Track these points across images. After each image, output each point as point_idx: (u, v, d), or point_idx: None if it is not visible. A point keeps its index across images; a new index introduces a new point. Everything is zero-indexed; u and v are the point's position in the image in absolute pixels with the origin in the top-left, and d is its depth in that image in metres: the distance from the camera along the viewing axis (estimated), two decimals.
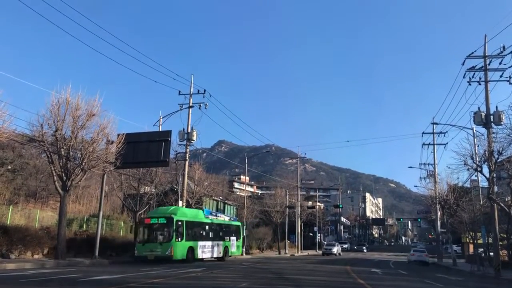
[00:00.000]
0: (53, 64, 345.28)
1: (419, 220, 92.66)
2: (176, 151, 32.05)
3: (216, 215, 31.80)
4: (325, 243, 66.82)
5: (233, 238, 31.41)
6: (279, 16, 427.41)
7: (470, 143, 23.24)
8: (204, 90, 33.07)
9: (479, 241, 32.79)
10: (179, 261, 22.69)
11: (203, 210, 29.73)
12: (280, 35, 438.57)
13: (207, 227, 27.48)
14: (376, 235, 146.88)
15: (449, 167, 68.90)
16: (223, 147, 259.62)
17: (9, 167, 32.70)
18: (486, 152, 21.17)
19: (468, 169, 22.93)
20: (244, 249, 44.84)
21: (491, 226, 22.99)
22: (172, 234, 22.69)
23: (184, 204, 32.04)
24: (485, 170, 22.22)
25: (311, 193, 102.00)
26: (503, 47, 22.68)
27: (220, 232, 29.35)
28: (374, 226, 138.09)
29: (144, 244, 22.87)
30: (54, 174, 19.89)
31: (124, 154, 21.94)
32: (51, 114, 19.28)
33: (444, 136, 39.71)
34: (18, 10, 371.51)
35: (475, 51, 23.98)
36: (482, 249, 33.06)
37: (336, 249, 53.51)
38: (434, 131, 40.82)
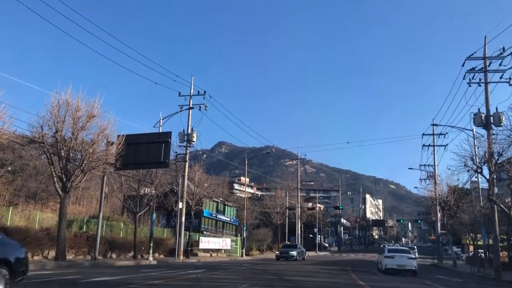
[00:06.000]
0: (53, 65, 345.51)
1: (419, 221, 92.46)
2: (176, 152, 32.15)
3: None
4: None
5: None
6: (279, 17, 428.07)
7: (470, 145, 23.23)
8: (204, 92, 33.19)
9: (479, 243, 32.78)
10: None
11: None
12: (280, 36, 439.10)
13: None
14: (376, 237, 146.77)
15: (449, 169, 69.12)
16: (223, 149, 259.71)
17: (9, 168, 32.68)
18: (486, 154, 21.16)
19: (468, 171, 22.93)
20: (244, 251, 44.89)
21: (491, 227, 22.98)
22: None
23: (184, 205, 32.05)
24: (485, 171, 22.21)
25: (311, 195, 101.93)
26: (503, 48, 22.72)
27: None
28: (374, 228, 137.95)
29: None
30: (54, 175, 19.89)
31: (124, 155, 21.94)
32: (51, 116, 19.28)
33: (444, 137, 39.78)
34: (19, 11, 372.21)
35: (475, 52, 24.02)
36: (482, 251, 33.06)
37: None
38: (434, 132, 40.86)
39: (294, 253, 36.49)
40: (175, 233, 32.63)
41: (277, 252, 39.24)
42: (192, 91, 33.13)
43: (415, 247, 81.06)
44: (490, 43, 24.32)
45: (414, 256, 23.61)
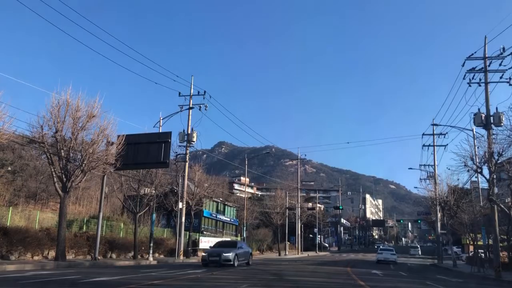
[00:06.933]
0: (54, 65, 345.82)
1: (419, 221, 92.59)
2: (176, 152, 32.11)
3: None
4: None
5: None
6: (279, 17, 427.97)
7: (470, 145, 23.21)
8: (204, 92, 33.16)
9: (479, 243, 32.77)
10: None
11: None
12: (280, 36, 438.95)
13: None
14: (376, 237, 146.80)
15: (449, 169, 69.36)
16: (223, 149, 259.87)
17: (9, 168, 32.69)
18: (486, 154, 21.14)
19: (468, 171, 22.92)
20: None
21: (491, 227, 22.97)
22: None
23: (184, 205, 32.03)
24: (485, 171, 22.18)
25: (311, 195, 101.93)
26: (503, 48, 22.71)
27: None
28: (374, 228, 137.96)
29: None
30: (54, 175, 19.87)
31: (124, 155, 21.93)
32: (51, 116, 19.26)
33: (444, 137, 39.89)
34: (19, 11, 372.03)
35: (475, 52, 24.02)
36: (482, 251, 33.04)
37: None
38: (434, 132, 40.91)
39: (229, 255, 22.84)
40: (175, 233, 32.61)
41: (203, 254, 24.23)
42: (192, 91, 33.10)
43: (418, 246, 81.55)
44: (490, 43, 24.33)
45: (394, 253, 38.93)
